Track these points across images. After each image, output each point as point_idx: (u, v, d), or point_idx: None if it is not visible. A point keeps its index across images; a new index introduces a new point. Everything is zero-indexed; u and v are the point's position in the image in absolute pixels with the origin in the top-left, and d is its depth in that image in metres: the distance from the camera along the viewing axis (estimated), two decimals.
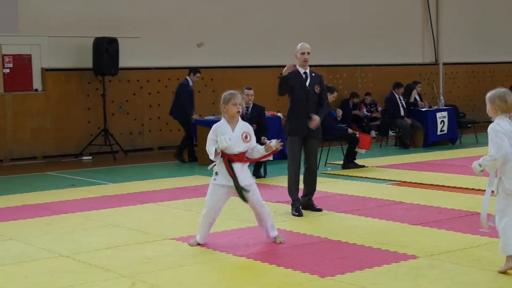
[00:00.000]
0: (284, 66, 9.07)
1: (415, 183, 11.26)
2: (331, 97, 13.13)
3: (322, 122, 9.36)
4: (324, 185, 11.11)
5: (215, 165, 7.29)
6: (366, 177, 11.95)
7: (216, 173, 7.26)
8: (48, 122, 15.56)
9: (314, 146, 9.29)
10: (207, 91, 16.82)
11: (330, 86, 13.49)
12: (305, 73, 9.19)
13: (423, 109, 16.91)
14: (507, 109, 6.12)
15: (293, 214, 8.91)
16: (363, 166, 13.05)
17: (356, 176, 12.10)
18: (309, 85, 9.13)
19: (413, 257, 6.72)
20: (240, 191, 7.19)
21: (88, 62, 15.82)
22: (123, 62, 16.04)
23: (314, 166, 9.40)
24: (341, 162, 13.19)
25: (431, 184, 11.04)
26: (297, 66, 9.17)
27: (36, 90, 15.67)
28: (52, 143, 15.76)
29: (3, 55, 15.19)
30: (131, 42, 16.48)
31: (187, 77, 15.02)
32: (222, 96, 7.28)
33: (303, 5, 19.16)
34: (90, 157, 15.85)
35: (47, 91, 15.72)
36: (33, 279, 6.30)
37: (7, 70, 15.27)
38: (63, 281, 6.19)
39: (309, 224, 8.39)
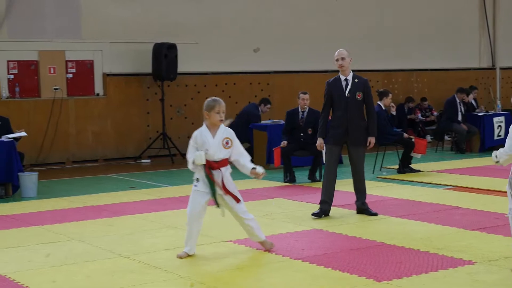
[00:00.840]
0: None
1: (472, 188, 11.08)
2: (387, 101, 13.06)
3: (377, 127, 9.27)
4: (380, 190, 11.04)
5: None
6: (421, 182, 11.81)
7: (197, 180, 7.03)
8: (109, 126, 15.76)
9: (358, 153, 9.08)
10: (263, 95, 16.80)
11: (383, 90, 13.39)
12: (346, 80, 9.03)
13: (480, 114, 16.66)
14: None
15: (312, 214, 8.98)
16: (419, 171, 12.91)
17: (412, 181, 11.97)
18: (349, 92, 8.97)
19: (470, 262, 6.61)
20: (215, 198, 6.99)
21: (147, 67, 15.98)
22: (181, 67, 16.16)
23: (360, 173, 9.18)
24: (397, 167, 13.07)
25: (488, 189, 10.85)
26: (339, 74, 9.11)
27: (97, 94, 15.90)
28: (112, 146, 15.95)
29: (67, 61, 15.45)
30: (189, 48, 16.59)
31: (258, 106, 15.18)
32: (205, 102, 7.02)
33: (357, 11, 19.05)
34: (149, 160, 16.00)
35: (108, 96, 15.93)
36: (95, 279, 6.38)
37: (70, 75, 15.52)
38: (124, 281, 6.25)
39: (365, 228, 8.32)
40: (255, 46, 17.57)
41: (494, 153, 6.35)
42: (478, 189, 10.97)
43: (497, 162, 6.34)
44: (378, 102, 12.98)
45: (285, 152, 12.18)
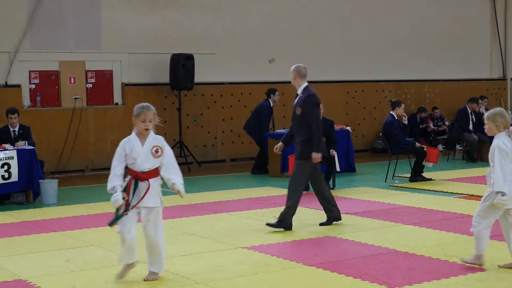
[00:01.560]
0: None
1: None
2: (399, 110, 13.02)
3: (388, 136, 9.20)
4: (392, 198, 11.02)
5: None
6: (433, 190, 11.77)
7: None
8: (127, 134, 15.65)
9: (296, 166, 8.91)
10: (278, 105, 16.82)
11: (396, 100, 13.37)
12: (297, 95, 8.88)
13: None
14: (507, 125, 6.48)
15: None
16: (430, 179, 12.87)
17: (424, 189, 11.93)
18: (294, 106, 8.85)
19: (481, 269, 6.59)
20: (117, 213, 6.35)
21: (165, 77, 16.04)
22: (198, 77, 16.20)
23: (289, 185, 8.89)
24: (409, 175, 13.03)
25: None
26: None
27: (116, 103, 15.96)
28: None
29: (87, 71, 15.53)
30: (206, 58, 16.64)
31: (268, 98, 15.10)
32: (135, 108, 6.53)
33: (371, 22, 19.03)
34: None
35: (126, 105, 15.98)
36: (113, 284, 6.40)
37: (90, 85, 15.59)
38: (142, 287, 6.26)
39: (377, 236, 8.29)
40: (270, 57, 17.61)
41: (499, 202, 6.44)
42: None
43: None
44: (391, 112, 12.98)
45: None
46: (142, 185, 6.38)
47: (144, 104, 6.56)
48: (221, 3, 17.08)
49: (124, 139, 6.51)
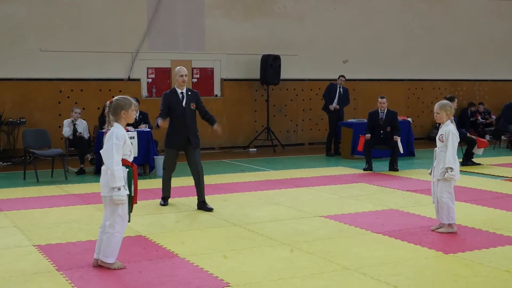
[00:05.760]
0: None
1: None
2: (453, 105, 12.66)
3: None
4: None
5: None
6: (482, 173, 11.46)
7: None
8: (225, 120, 15.98)
9: (196, 155, 8.38)
10: (350, 98, 16.66)
11: (450, 96, 12.99)
12: (181, 93, 8.40)
13: None
14: (452, 114, 6.66)
15: (161, 204, 8.57)
16: (479, 164, 12.53)
17: (474, 172, 11.63)
18: (185, 103, 8.35)
19: None
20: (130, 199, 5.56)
21: (256, 74, 16.11)
22: (284, 74, 16.22)
23: (199, 173, 8.41)
24: (461, 160, 12.69)
25: None
26: (177, 87, 8.42)
27: (216, 95, 16.13)
28: (226, 137, 16.16)
29: (193, 68, 15.75)
30: (290, 59, 16.63)
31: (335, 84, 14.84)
32: (116, 101, 5.46)
33: (430, 30, 18.62)
34: (255, 149, 16.13)
35: (224, 97, 16.14)
36: (215, 242, 6.48)
37: (195, 80, 15.81)
38: (237, 245, 6.33)
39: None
40: (344, 58, 17.44)
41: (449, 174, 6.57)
42: None
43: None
44: None
45: (367, 144, 12.05)
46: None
47: (124, 96, 5.62)
48: (304, 14, 17.00)
49: (121, 131, 5.41)
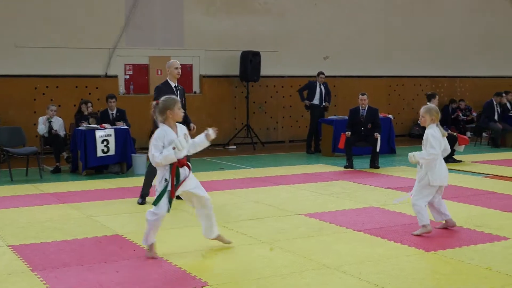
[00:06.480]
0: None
1: (506, 176, 10.77)
2: (434, 102, 12.73)
3: None
4: None
5: None
6: (463, 170, 11.55)
7: (166, 180, 5.76)
8: (204, 118, 15.92)
9: None
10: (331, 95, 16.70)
11: (431, 93, 13.08)
12: (175, 86, 8.48)
13: None
14: (437, 119, 6.62)
15: (138, 203, 8.52)
16: (460, 161, 12.62)
17: (454, 169, 11.68)
18: (179, 98, 8.44)
19: (505, 238, 6.44)
20: (171, 198, 5.76)
21: (235, 71, 16.08)
22: (263, 71, 16.20)
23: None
24: None
25: None
26: (170, 80, 8.46)
27: (195, 92, 16.07)
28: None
29: None
30: (270, 55, 16.62)
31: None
32: (162, 102, 5.73)
33: (411, 27, 18.71)
34: (235, 147, 16.10)
35: (203, 93, 16.09)
36: (192, 242, 6.41)
37: None
38: (216, 244, 6.24)
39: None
40: (325, 55, 17.47)
41: (413, 154, 6.58)
42: (511, 177, 10.66)
43: (416, 162, 6.60)
44: (428, 103, 12.69)
45: (348, 141, 12.08)
46: (181, 170, 5.84)
47: (169, 96, 5.94)
48: (285, 10, 17.01)
49: (160, 131, 5.74)
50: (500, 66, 20.47)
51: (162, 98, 5.80)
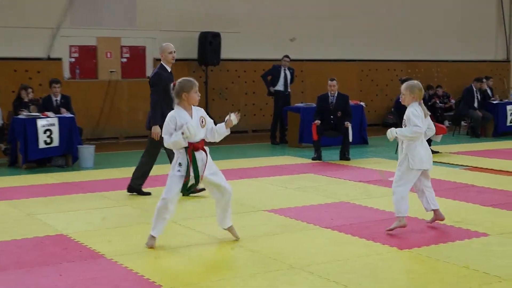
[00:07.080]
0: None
1: (486, 168, 10.96)
2: None
3: (399, 111, 9.09)
4: None
5: None
6: (440, 162, 11.68)
7: (180, 164, 5.99)
8: None
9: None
10: (297, 81, 16.70)
11: (406, 78, 13.18)
12: (170, 72, 8.66)
13: (494, 102, 16.50)
14: (420, 98, 6.63)
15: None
16: (438, 152, 12.77)
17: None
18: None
19: (484, 234, 6.55)
20: (192, 184, 6.05)
21: (193, 54, 16.00)
22: (224, 54, 16.15)
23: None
24: None
25: (501, 170, 10.74)
26: (165, 65, 8.65)
27: (148, 77, 15.90)
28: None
29: (122, 47, 15.53)
30: (232, 37, 16.57)
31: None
32: (179, 83, 6.01)
33: (385, 6, 18.86)
34: None
35: None
36: (145, 241, 6.24)
37: (125, 60, 15.60)
38: (171, 243, 6.26)
39: (388, 202, 8.13)
40: (292, 36, 17.51)
41: (393, 130, 6.57)
42: (491, 169, 10.85)
43: (395, 138, 6.59)
44: None
45: (317, 131, 12.13)
46: (197, 154, 6.02)
47: (187, 78, 6.11)
48: None
49: (173, 113, 6.01)
50: (481, 49, 20.80)
51: (180, 80, 6.03)
